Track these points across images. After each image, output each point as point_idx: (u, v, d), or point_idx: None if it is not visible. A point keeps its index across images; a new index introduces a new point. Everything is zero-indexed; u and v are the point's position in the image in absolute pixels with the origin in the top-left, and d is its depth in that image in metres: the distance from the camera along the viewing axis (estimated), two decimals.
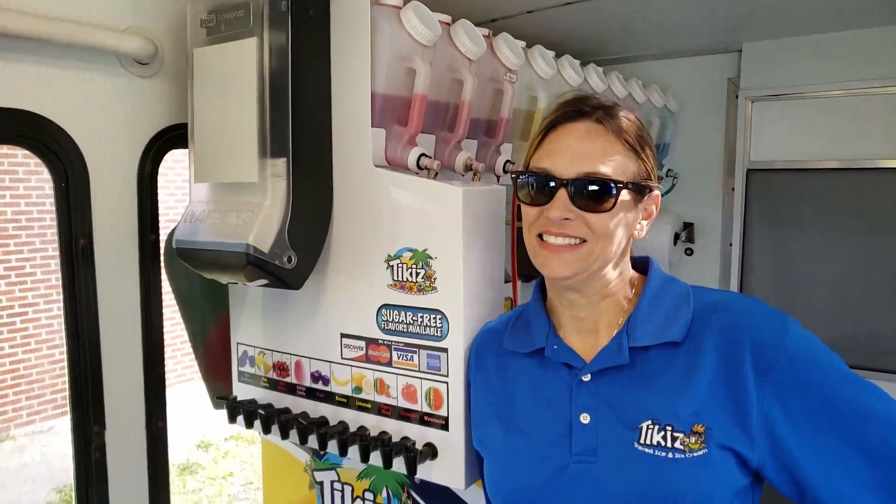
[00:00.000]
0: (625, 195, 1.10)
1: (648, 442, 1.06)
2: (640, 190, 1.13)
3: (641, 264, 1.23)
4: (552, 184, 1.10)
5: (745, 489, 1.08)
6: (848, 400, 1.03)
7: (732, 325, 1.09)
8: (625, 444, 1.08)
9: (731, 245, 2.45)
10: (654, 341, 1.11)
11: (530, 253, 1.16)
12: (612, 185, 1.08)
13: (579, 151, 1.10)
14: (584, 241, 1.10)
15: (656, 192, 1.18)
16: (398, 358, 1.41)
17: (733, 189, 2.43)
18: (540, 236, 1.13)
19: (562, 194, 1.09)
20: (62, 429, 6.75)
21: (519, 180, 1.15)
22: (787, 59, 2.28)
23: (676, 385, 1.08)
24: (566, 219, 1.09)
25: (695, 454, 1.04)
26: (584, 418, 1.12)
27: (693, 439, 1.05)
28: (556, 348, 1.18)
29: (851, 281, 2.23)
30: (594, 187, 1.08)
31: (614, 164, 1.10)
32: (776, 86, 2.30)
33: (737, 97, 2.40)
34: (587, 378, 1.14)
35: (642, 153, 1.14)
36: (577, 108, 1.13)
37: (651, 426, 1.07)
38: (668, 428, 1.06)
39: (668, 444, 1.05)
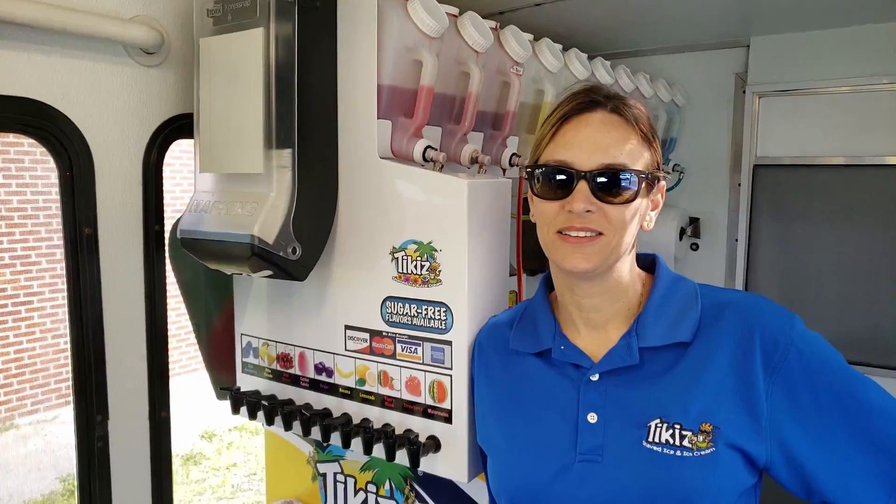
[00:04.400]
0: (642, 186, 1.09)
1: (657, 440, 1.06)
2: (653, 180, 1.12)
3: (648, 262, 1.22)
4: (572, 176, 1.08)
5: (750, 489, 1.08)
6: (854, 396, 1.03)
7: (742, 324, 1.08)
8: (633, 442, 1.07)
9: (736, 240, 2.45)
10: (664, 342, 1.11)
11: (548, 247, 1.14)
12: (633, 175, 1.07)
13: (598, 142, 1.08)
14: (601, 233, 1.08)
15: (663, 183, 1.17)
16: (402, 350, 1.41)
17: (740, 184, 2.42)
18: (559, 231, 1.10)
19: (582, 186, 1.07)
20: (66, 418, 6.77)
21: (535, 173, 1.13)
22: (794, 55, 2.27)
23: (685, 383, 1.08)
24: (588, 211, 1.07)
25: (702, 453, 1.04)
26: (592, 418, 1.11)
27: (701, 438, 1.04)
28: (563, 349, 1.18)
29: (857, 277, 2.23)
30: (616, 178, 1.07)
31: (632, 154, 1.09)
32: (784, 81, 2.30)
33: (744, 92, 2.39)
34: (595, 378, 1.13)
35: (653, 142, 1.13)
36: (591, 99, 1.11)
37: (660, 424, 1.07)
38: (677, 426, 1.06)
39: (676, 443, 1.05)
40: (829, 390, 1.03)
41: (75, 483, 1.53)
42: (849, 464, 1.02)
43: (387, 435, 1.41)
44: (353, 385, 1.50)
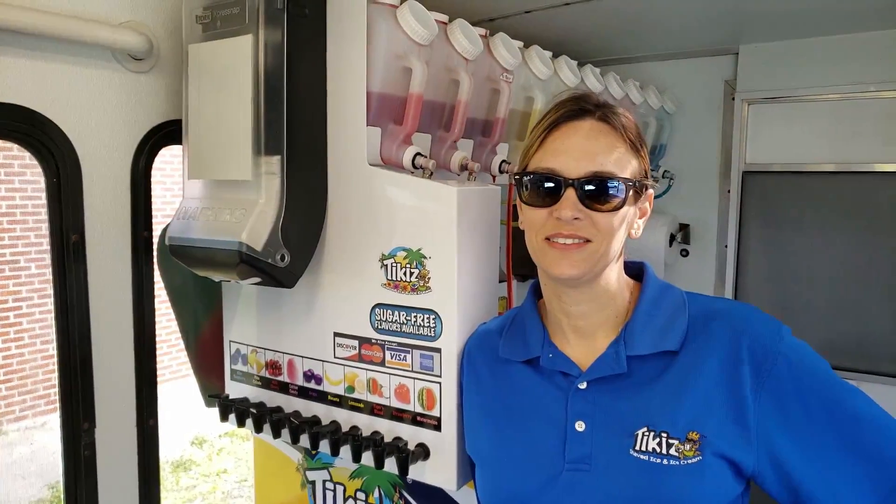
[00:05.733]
0: (629, 193, 1.10)
1: (643, 448, 1.06)
2: (640, 188, 1.13)
3: (636, 270, 1.23)
4: (560, 184, 1.08)
5: (737, 498, 1.08)
6: (841, 404, 1.04)
7: (730, 333, 1.08)
8: (620, 450, 1.08)
9: (726, 247, 2.46)
10: (652, 350, 1.11)
11: (536, 254, 1.14)
12: (620, 183, 1.08)
13: (586, 150, 1.08)
14: (589, 240, 1.09)
15: (651, 191, 1.18)
16: (391, 358, 1.41)
17: (729, 191, 2.43)
18: (547, 238, 1.11)
19: (570, 194, 1.07)
20: (54, 424, 6.71)
21: (523, 181, 1.13)
22: (783, 62, 2.28)
23: (673, 392, 1.08)
24: (576, 218, 1.07)
25: (689, 461, 1.04)
26: (580, 426, 1.11)
27: (687, 446, 1.04)
28: (551, 357, 1.18)
29: (846, 283, 2.24)
30: (603, 186, 1.07)
31: (620, 162, 1.09)
32: (773, 88, 2.31)
33: (733, 99, 2.41)
34: (583, 386, 1.13)
35: (641, 150, 1.13)
36: (580, 107, 1.12)
37: (647, 433, 1.07)
38: (664, 435, 1.06)
39: (663, 451, 1.05)
40: (817, 399, 1.03)
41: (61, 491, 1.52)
42: (836, 472, 1.02)
43: (375, 443, 1.40)
44: (342, 392, 1.50)
